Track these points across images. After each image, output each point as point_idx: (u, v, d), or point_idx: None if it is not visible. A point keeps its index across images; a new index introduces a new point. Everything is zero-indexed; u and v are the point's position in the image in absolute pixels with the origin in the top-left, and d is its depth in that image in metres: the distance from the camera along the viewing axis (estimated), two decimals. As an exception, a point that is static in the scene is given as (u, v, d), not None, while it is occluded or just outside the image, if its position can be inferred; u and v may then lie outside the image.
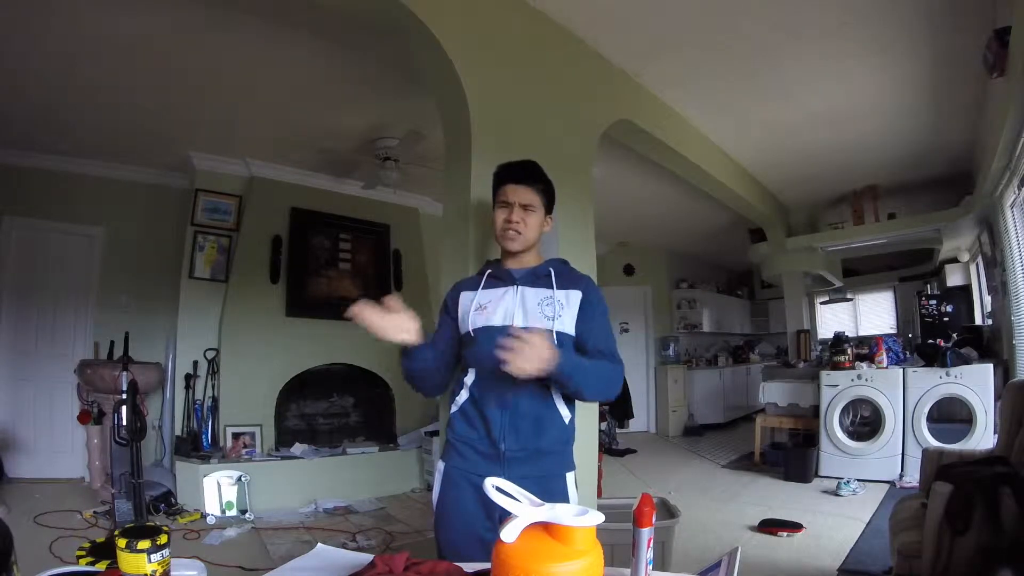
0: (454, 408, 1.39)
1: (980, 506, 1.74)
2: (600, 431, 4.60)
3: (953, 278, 6.07)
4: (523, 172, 1.42)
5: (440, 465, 1.38)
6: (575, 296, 1.37)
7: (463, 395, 1.37)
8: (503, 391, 1.30)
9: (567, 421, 1.37)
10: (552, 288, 1.37)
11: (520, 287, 1.38)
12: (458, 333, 1.43)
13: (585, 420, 2.26)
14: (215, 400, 4.13)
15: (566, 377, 1.22)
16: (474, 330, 1.35)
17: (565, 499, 1.34)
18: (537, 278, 1.40)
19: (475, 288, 1.42)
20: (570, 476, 1.37)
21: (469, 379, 1.36)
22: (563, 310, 1.35)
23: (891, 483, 4.08)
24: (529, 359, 1.12)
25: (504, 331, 1.29)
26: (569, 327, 1.35)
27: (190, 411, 4.10)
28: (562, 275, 1.41)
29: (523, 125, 2.41)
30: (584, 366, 1.28)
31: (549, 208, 1.45)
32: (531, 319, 1.33)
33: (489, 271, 1.43)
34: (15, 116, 3.51)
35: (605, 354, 1.35)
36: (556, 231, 2.54)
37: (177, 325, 4.19)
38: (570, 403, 1.38)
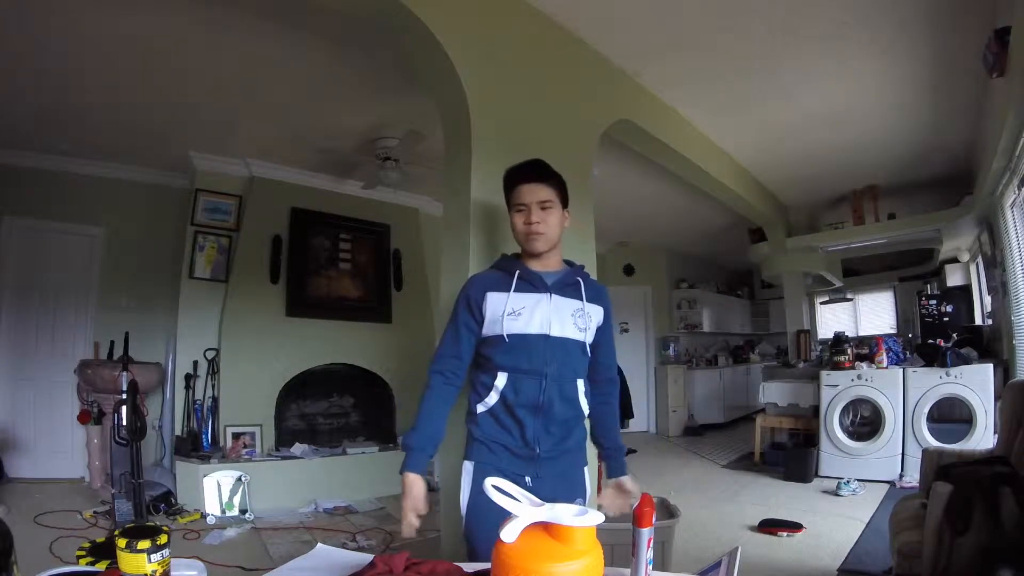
0: (481, 408, 1.37)
1: (980, 506, 1.73)
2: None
3: (953, 278, 6.08)
4: (534, 170, 1.41)
5: (468, 465, 1.37)
6: (598, 312, 1.44)
7: (492, 397, 1.36)
8: (538, 397, 1.33)
9: (585, 418, 1.45)
10: (582, 300, 1.41)
11: (553, 295, 1.38)
12: (480, 335, 1.40)
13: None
14: (215, 400, 4.13)
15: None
16: (509, 336, 1.34)
17: (584, 491, 1.43)
18: (566, 286, 1.41)
19: (505, 290, 1.38)
20: (586, 469, 1.46)
21: (500, 382, 1.35)
22: (590, 323, 1.41)
23: (891, 483, 4.08)
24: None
25: (541, 339, 1.34)
26: (591, 338, 1.43)
27: (190, 411, 4.10)
28: (589, 286, 1.45)
29: (523, 125, 2.41)
30: (619, 439, 1.50)
31: (565, 203, 1.45)
32: (566, 329, 1.37)
33: (518, 272, 1.40)
34: (16, 116, 3.51)
35: (611, 380, 1.51)
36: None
37: (177, 325, 4.19)
38: (588, 402, 1.44)
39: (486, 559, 1.24)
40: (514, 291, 1.37)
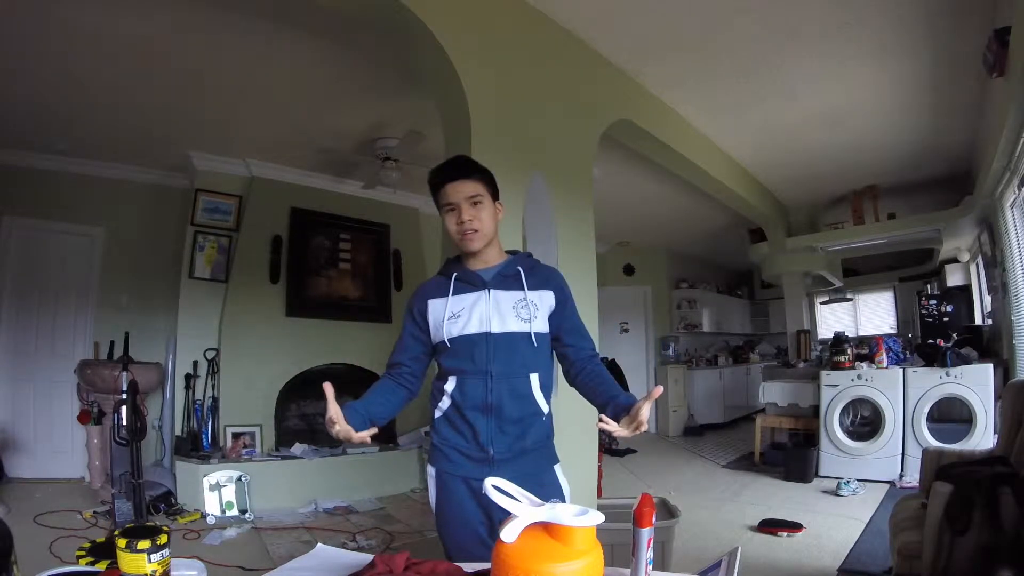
0: (437, 413, 1.38)
1: (980, 506, 1.73)
2: (600, 431, 4.61)
3: (953, 278, 6.08)
4: (457, 167, 1.36)
5: (431, 470, 1.38)
6: (547, 297, 1.38)
7: (445, 401, 1.35)
8: (485, 397, 1.31)
9: (546, 416, 1.38)
10: (523, 289, 1.36)
11: (492, 290, 1.35)
12: (430, 342, 1.40)
13: (585, 421, 2.26)
14: (215, 400, 4.13)
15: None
16: (450, 340, 1.33)
17: (559, 490, 1.37)
18: (506, 279, 1.37)
19: (444, 295, 1.37)
20: (557, 468, 1.41)
21: (450, 386, 1.34)
22: (537, 311, 1.35)
23: (891, 483, 4.08)
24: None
25: (482, 338, 1.31)
26: (543, 327, 1.37)
27: (190, 411, 4.10)
28: (532, 273, 1.39)
29: (523, 125, 2.41)
30: (616, 386, 1.35)
31: (495, 195, 1.39)
32: (507, 323, 1.33)
33: (456, 275, 1.38)
34: (16, 116, 3.51)
35: (585, 351, 1.41)
36: (555, 231, 2.54)
37: (177, 325, 4.19)
38: (547, 397, 1.39)
39: (457, 552, 1.27)
40: (452, 294, 1.36)
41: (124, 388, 3.24)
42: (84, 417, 3.80)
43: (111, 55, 2.86)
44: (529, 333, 1.33)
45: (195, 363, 4.15)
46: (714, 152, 4.28)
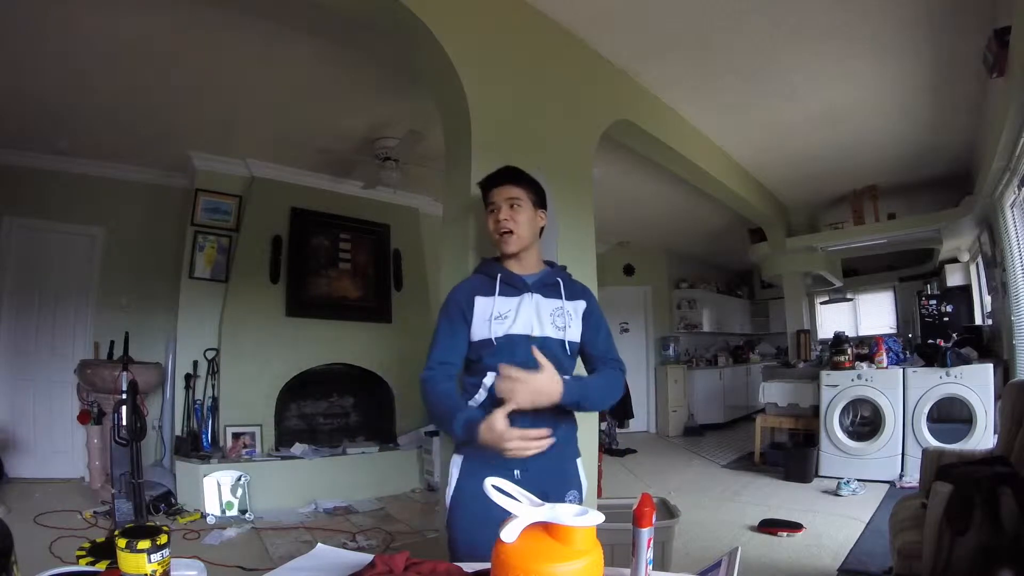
0: (472, 404, 1.39)
1: (980, 506, 1.73)
2: (600, 431, 4.61)
3: (953, 278, 6.08)
4: (504, 173, 1.48)
5: (457, 459, 1.39)
6: (580, 307, 1.47)
7: (481, 394, 1.39)
8: None
9: (572, 412, 1.45)
10: (562, 299, 1.44)
11: (535, 295, 1.42)
12: (469, 336, 1.43)
13: (585, 421, 2.26)
14: (215, 400, 4.13)
15: (573, 404, 1.34)
16: (496, 338, 1.38)
17: (579, 483, 1.44)
18: (547, 286, 1.45)
19: (490, 294, 1.43)
20: (579, 462, 1.47)
21: (489, 380, 1.37)
22: (571, 320, 1.44)
23: (891, 483, 4.08)
24: (524, 395, 1.23)
25: (524, 339, 1.37)
26: (576, 336, 1.45)
27: (190, 411, 4.10)
28: (569, 286, 1.48)
29: (523, 125, 2.41)
30: (588, 387, 1.37)
31: (539, 203, 1.49)
32: (545, 328, 1.40)
33: (500, 275, 1.44)
34: (15, 115, 3.51)
35: (609, 361, 1.47)
36: (555, 231, 2.54)
37: (177, 325, 4.19)
38: None
39: (465, 549, 1.28)
40: (499, 295, 1.42)
41: (124, 388, 3.23)
42: (84, 417, 3.80)
43: (111, 55, 2.86)
44: (564, 340, 1.42)
45: (195, 363, 4.15)
46: (714, 152, 4.28)
